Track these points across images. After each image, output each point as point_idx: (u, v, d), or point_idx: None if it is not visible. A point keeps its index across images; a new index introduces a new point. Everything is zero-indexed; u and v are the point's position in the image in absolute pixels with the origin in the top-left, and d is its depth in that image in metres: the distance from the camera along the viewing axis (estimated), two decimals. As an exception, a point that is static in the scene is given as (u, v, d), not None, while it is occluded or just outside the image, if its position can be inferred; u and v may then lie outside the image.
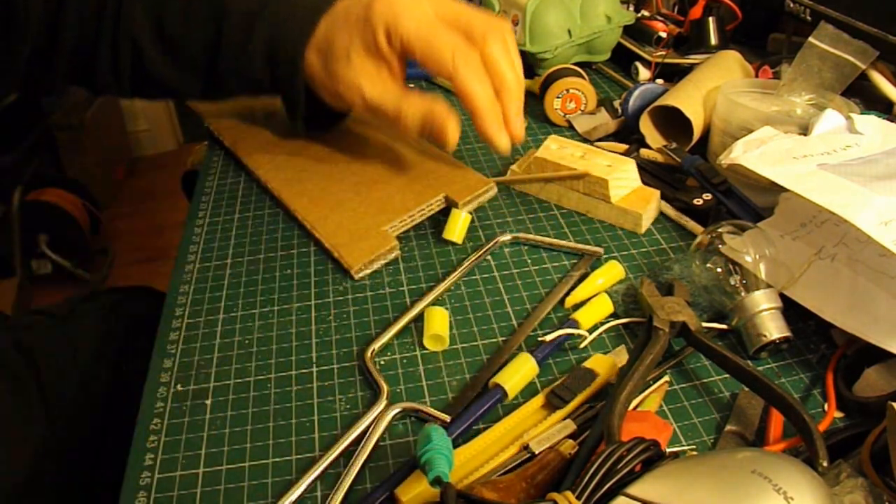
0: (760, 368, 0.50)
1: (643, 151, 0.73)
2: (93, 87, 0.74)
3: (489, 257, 0.64)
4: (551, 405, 0.48)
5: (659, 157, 0.72)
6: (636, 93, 0.78)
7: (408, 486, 0.43)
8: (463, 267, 0.62)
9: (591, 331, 0.54)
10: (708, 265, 0.55)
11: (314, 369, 0.54)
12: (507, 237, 0.65)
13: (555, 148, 0.70)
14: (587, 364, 0.50)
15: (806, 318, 0.52)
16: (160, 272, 2.16)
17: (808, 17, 0.79)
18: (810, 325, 0.53)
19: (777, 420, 0.46)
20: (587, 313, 0.55)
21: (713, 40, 0.88)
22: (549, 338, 0.52)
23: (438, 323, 0.55)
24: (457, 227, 0.65)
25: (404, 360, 0.54)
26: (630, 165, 0.67)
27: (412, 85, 0.97)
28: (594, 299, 0.56)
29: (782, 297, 0.52)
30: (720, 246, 0.55)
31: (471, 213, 0.67)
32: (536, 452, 0.44)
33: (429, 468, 0.39)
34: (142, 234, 2.41)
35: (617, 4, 0.92)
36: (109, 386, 0.76)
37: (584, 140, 0.79)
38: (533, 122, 0.86)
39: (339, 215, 0.67)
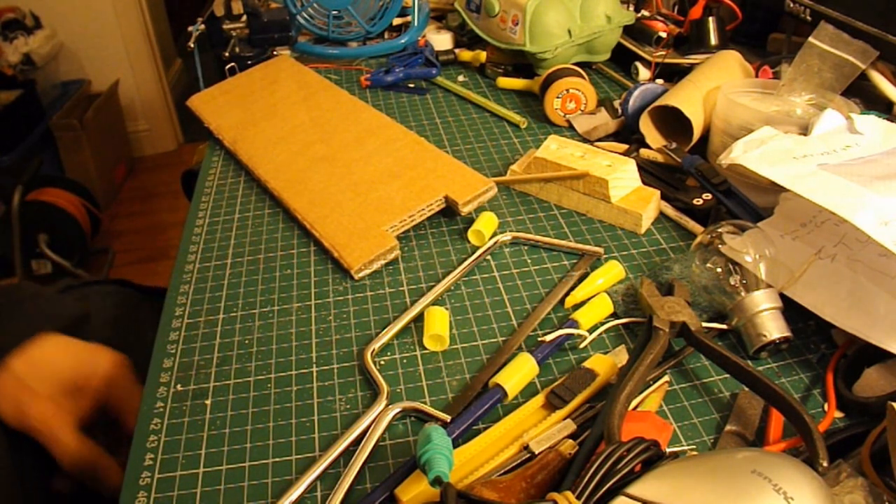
0: (760, 368, 0.50)
1: (643, 151, 0.73)
2: None
3: (489, 257, 0.64)
4: (551, 405, 0.48)
5: (659, 157, 0.72)
6: (636, 93, 0.78)
7: (408, 486, 0.43)
8: (463, 267, 0.62)
9: (591, 331, 0.54)
10: (708, 265, 0.55)
11: (314, 369, 0.54)
12: (507, 237, 0.65)
13: (555, 148, 0.70)
14: (587, 364, 0.50)
15: (806, 318, 0.52)
16: (160, 272, 2.16)
17: (808, 17, 0.79)
18: (810, 325, 0.53)
19: (777, 420, 0.46)
20: (587, 313, 0.55)
21: (713, 40, 0.88)
22: (549, 338, 0.52)
23: (438, 323, 0.55)
24: (485, 229, 0.66)
25: (404, 360, 0.54)
26: (630, 165, 0.67)
27: (412, 84, 0.97)
28: (594, 299, 0.56)
29: (782, 297, 0.52)
30: (720, 246, 0.55)
31: (474, 213, 0.67)
32: (536, 452, 0.44)
33: (429, 468, 0.39)
34: (142, 234, 2.41)
35: (617, 4, 0.92)
36: None
37: (584, 140, 0.79)
38: (533, 122, 0.86)
39: (339, 215, 0.67)
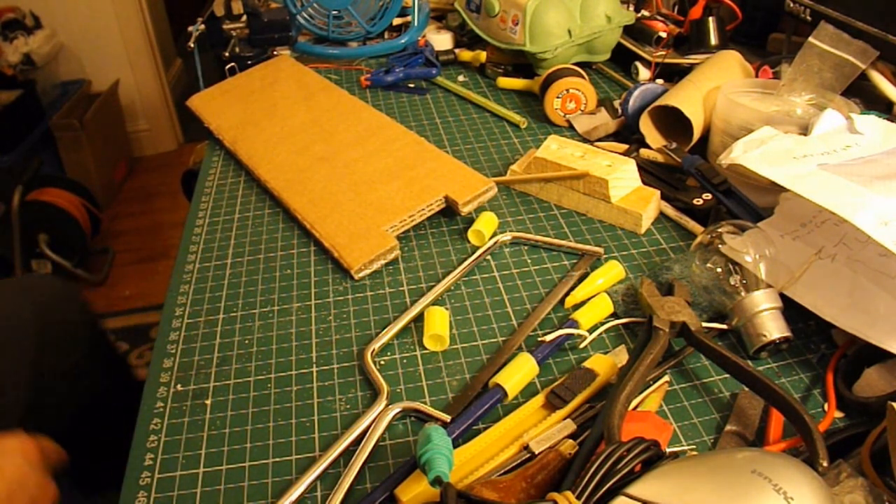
0: (760, 368, 0.50)
1: (643, 151, 0.73)
2: None
3: (489, 257, 0.64)
4: (551, 405, 0.48)
5: (659, 157, 0.72)
6: (636, 93, 0.78)
7: (408, 486, 0.43)
8: (463, 267, 0.62)
9: (591, 331, 0.54)
10: (708, 265, 0.55)
11: (314, 369, 0.54)
12: (507, 237, 0.65)
13: (555, 148, 0.70)
14: (587, 364, 0.50)
15: (806, 318, 0.52)
16: (160, 272, 2.16)
17: (808, 17, 0.79)
18: (810, 325, 0.53)
19: (777, 420, 0.46)
20: (587, 313, 0.55)
21: (713, 40, 0.88)
22: (549, 338, 0.52)
23: (438, 323, 0.55)
24: (485, 229, 0.66)
25: (404, 360, 0.54)
26: (630, 165, 0.67)
27: (412, 84, 0.97)
28: (594, 299, 0.56)
29: (782, 297, 0.52)
30: (720, 246, 0.55)
31: (474, 213, 0.67)
32: (536, 452, 0.44)
33: (429, 468, 0.39)
34: (142, 234, 2.41)
35: (617, 4, 0.92)
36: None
37: (584, 140, 0.79)
38: (533, 122, 0.86)
39: (339, 215, 0.67)
